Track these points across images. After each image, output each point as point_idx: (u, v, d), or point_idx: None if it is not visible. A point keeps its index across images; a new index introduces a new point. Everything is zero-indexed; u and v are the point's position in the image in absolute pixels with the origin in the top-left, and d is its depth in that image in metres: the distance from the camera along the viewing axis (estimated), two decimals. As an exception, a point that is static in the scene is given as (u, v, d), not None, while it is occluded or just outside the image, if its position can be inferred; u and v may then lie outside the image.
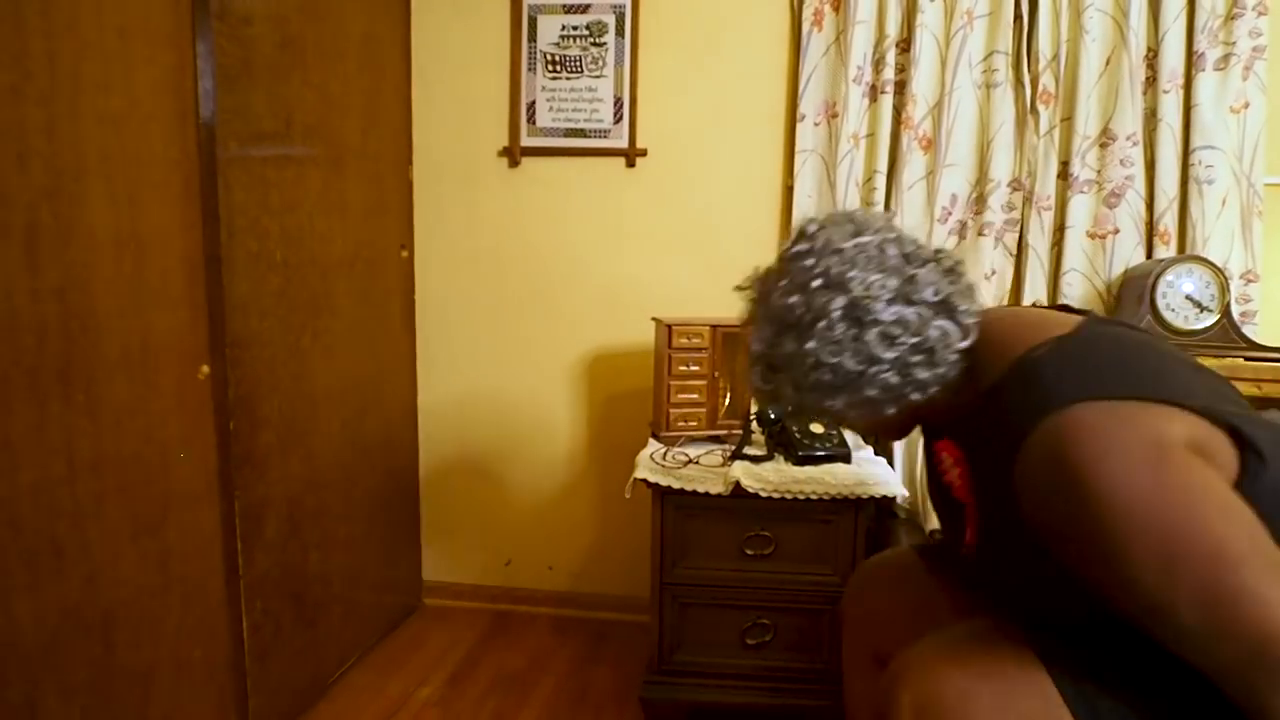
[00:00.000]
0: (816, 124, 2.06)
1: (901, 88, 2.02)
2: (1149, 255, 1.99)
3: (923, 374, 0.94)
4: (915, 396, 0.95)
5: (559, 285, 2.22)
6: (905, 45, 2.02)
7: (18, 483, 1.13)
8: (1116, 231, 1.99)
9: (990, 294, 2.05)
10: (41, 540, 1.17)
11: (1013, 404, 0.86)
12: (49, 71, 1.16)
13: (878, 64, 2.02)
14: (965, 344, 0.95)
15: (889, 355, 0.92)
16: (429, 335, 2.29)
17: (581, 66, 2.11)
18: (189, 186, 1.43)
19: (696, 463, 1.72)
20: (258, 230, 1.59)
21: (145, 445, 1.34)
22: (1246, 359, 1.86)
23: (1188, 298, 1.87)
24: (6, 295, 1.11)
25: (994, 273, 2.04)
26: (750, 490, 1.63)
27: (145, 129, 1.33)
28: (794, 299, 0.95)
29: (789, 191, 2.11)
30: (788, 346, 0.96)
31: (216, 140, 1.47)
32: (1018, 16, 1.97)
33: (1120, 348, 0.88)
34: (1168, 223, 1.96)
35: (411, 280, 2.26)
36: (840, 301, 0.92)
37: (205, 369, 1.47)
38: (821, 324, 0.93)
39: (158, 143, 1.36)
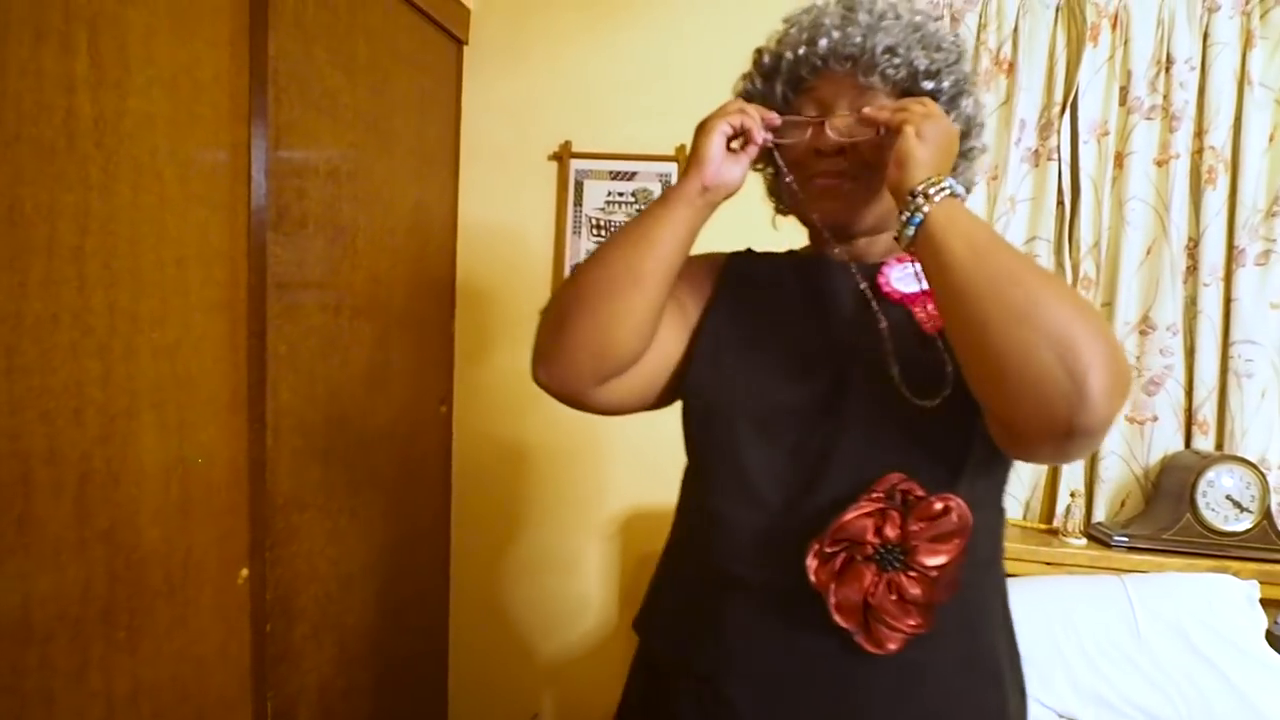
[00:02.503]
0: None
1: (942, 268, 1.98)
2: (1187, 444, 1.93)
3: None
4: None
5: (598, 446, 2.17)
6: (946, 227, 1.98)
7: (55, 742, 1.08)
8: (1155, 419, 1.92)
9: (1027, 475, 1.99)
10: (75, 797, 1.12)
11: None
12: (108, 322, 1.13)
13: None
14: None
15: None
16: (464, 489, 2.24)
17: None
18: (237, 396, 1.39)
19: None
20: (304, 427, 1.55)
21: (181, 665, 1.29)
22: (1288, 562, 1.79)
23: (1228, 497, 1.81)
24: (54, 552, 1.07)
25: (1030, 452, 1.97)
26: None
27: (199, 350, 1.30)
28: (941, 29, 0.91)
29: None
30: (964, 67, 0.91)
31: (267, 350, 1.44)
32: (1060, 203, 1.94)
33: None
34: (1206, 413, 1.90)
35: (449, 435, 2.22)
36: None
37: (244, 572, 1.43)
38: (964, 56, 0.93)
39: (209, 360, 1.33)
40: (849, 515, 0.78)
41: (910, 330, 0.88)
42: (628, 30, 2.07)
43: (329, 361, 1.63)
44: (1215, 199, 1.87)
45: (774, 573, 0.83)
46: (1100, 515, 1.96)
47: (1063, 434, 0.69)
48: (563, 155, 2.10)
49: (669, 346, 0.93)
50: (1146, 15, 1.88)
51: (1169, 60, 1.88)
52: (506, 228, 2.16)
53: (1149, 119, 1.89)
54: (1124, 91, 1.91)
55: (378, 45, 1.76)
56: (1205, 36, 1.88)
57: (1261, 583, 1.77)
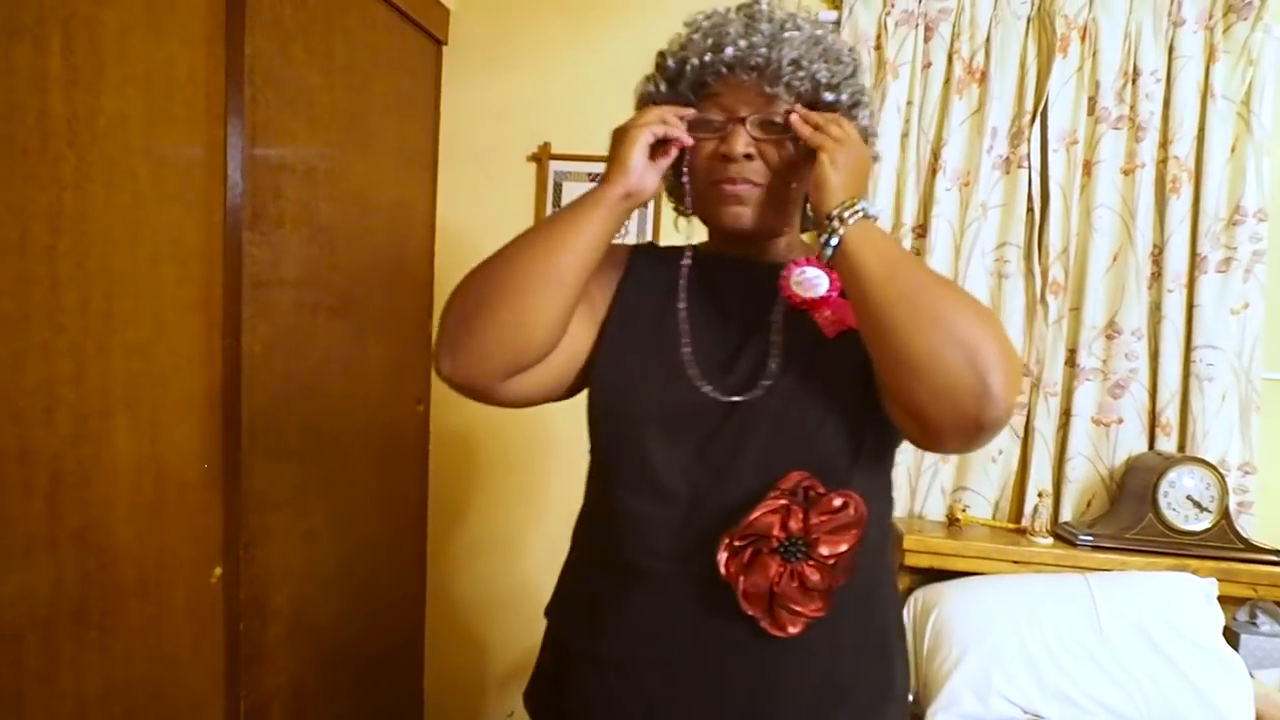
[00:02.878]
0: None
1: (915, 272, 2.01)
2: (1151, 445, 1.97)
3: None
4: None
5: (574, 445, 2.17)
6: (922, 231, 2.01)
7: (24, 741, 1.08)
8: (1120, 421, 1.96)
9: (996, 475, 2.02)
10: (45, 796, 1.11)
11: None
12: (81, 321, 1.13)
13: (892, 249, 2.00)
14: None
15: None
16: (441, 488, 2.24)
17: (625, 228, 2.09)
18: (211, 396, 1.39)
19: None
20: (278, 427, 1.55)
21: (153, 665, 1.29)
22: (1242, 561, 1.84)
23: (1188, 498, 1.85)
24: (25, 551, 1.07)
25: (1000, 454, 2.01)
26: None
27: (172, 350, 1.30)
28: (838, 43, 0.94)
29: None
30: (861, 80, 0.95)
31: (242, 349, 1.43)
32: (1030, 210, 1.97)
33: None
34: (1170, 415, 1.94)
35: (426, 434, 2.21)
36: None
37: (218, 572, 1.42)
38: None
39: (183, 360, 1.32)
40: (757, 513, 0.82)
41: (810, 333, 0.92)
42: (607, 32, 2.08)
43: (305, 361, 1.63)
44: (1179, 207, 1.91)
45: (682, 564, 0.87)
46: (1067, 515, 2.00)
47: (972, 426, 0.76)
48: (542, 156, 2.11)
49: (578, 340, 0.95)
50: (1114, 28, 1.91)
51: (1135, 72, 1.92)
52: (485, 228, 2.13)
53: (1116, 129, 1.93)
54: (1092, 101, 1.94)
55: (356, 45, 1.75)
56: (1170, 50, 1.92)
57: (1220, 580, 1.81)
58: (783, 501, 0.83)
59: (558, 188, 2.10)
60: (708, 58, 0.89)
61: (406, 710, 2.24)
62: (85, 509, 1.15)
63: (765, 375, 0.91)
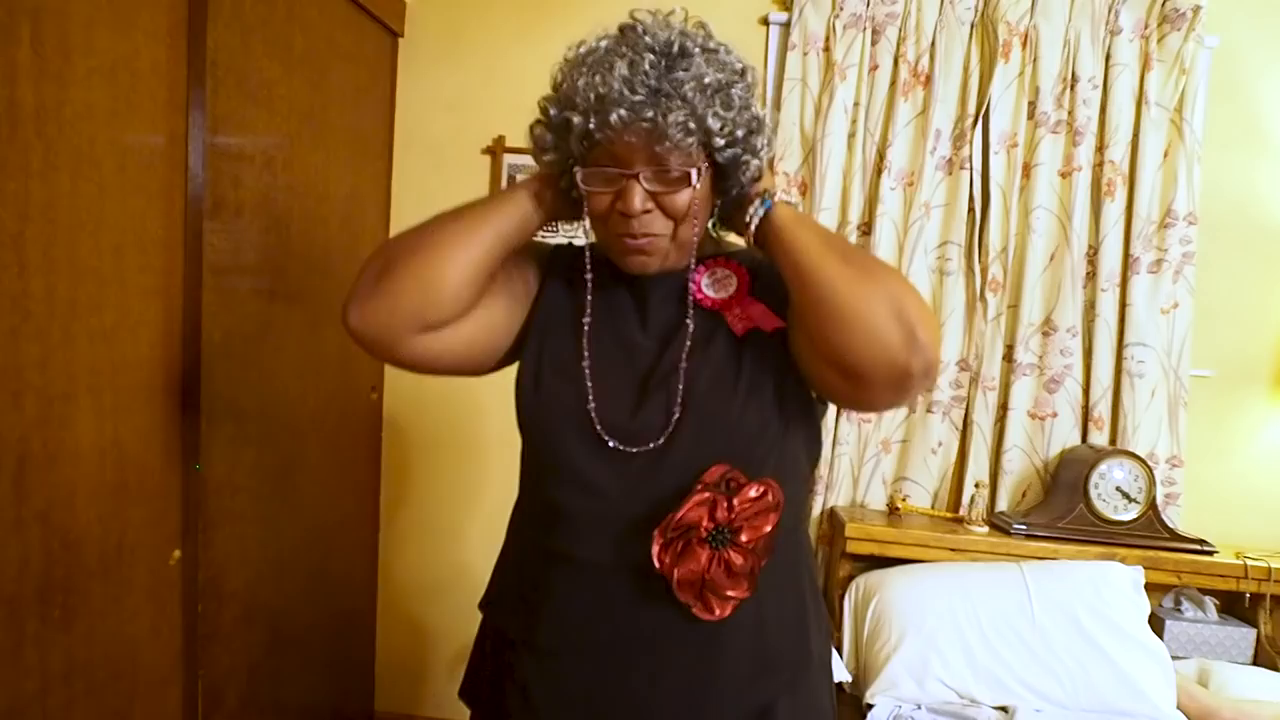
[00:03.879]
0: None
1: (861, 269, 2.15)
2: (1084, 439, 2.14)
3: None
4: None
5: (509, 422, 2.29)
6: (867, 229, 2.15)
7: (-10, 712, 1.17)
8: (1055, 415, 2.13)
9: (936, 466, 2.18)
10: (11, 765, 1.20)
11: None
12: (47, 307, 1.21)
13: (840, 246, 2.15)
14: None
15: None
16: (392, 472, 2.35)
17: (557, 226, 2.19)
18: (171, 381, 1.48)
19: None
20: (236, 412, 1.64)
21: (114, 644, 1.38)
22: (1167, 550, 2.01)
23: (1118, 489, 2.02)
24: (-7, 531, 1.16)
25: (940, 445, 2.17)
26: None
27: (135, 336, 1.39)
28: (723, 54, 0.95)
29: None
30: (754, 111, 0.96)
31: (203, 335, 1.53)
32: (971, 210, 2.12)
33: None
34: (1102, 410, 2.11)
35: (379, 420, 2.31)
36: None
37: (176, 554, 1.52)
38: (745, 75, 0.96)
39: (145, 346, 1.41)
40: (686, 507, 0.90)
41: (723, 334, 1.01)
42: (563, 26, 2.18)
43: (262, 348, 1.72)
44: (1113, 210, 2.08)
45: (615, 554, 0.96)
46: (1003, 505, 2.16)
47: (902, 374, 0.87)
48: (496, 150, 2.21)
49: (496, 316, 1.03)
50: (1054, 35, 2.07)
51: (1074, 78, 2.08)
52: (441, 219, 2.26)
53: (1055, 133, 2.09)
54: (1032, 106, 2.10)
55: (314, 37, 1.85)
56: (1107, 58, 2.08)
57: (1146, 569, 1.98)
58: (708, 495, 0.91)
59: (511, 181, 2.21)
60: (592, 122, 0.89)
61: (358, 688, 2.35)
62: (50, 490, 1.23)
63: (685, 376, 0.98)
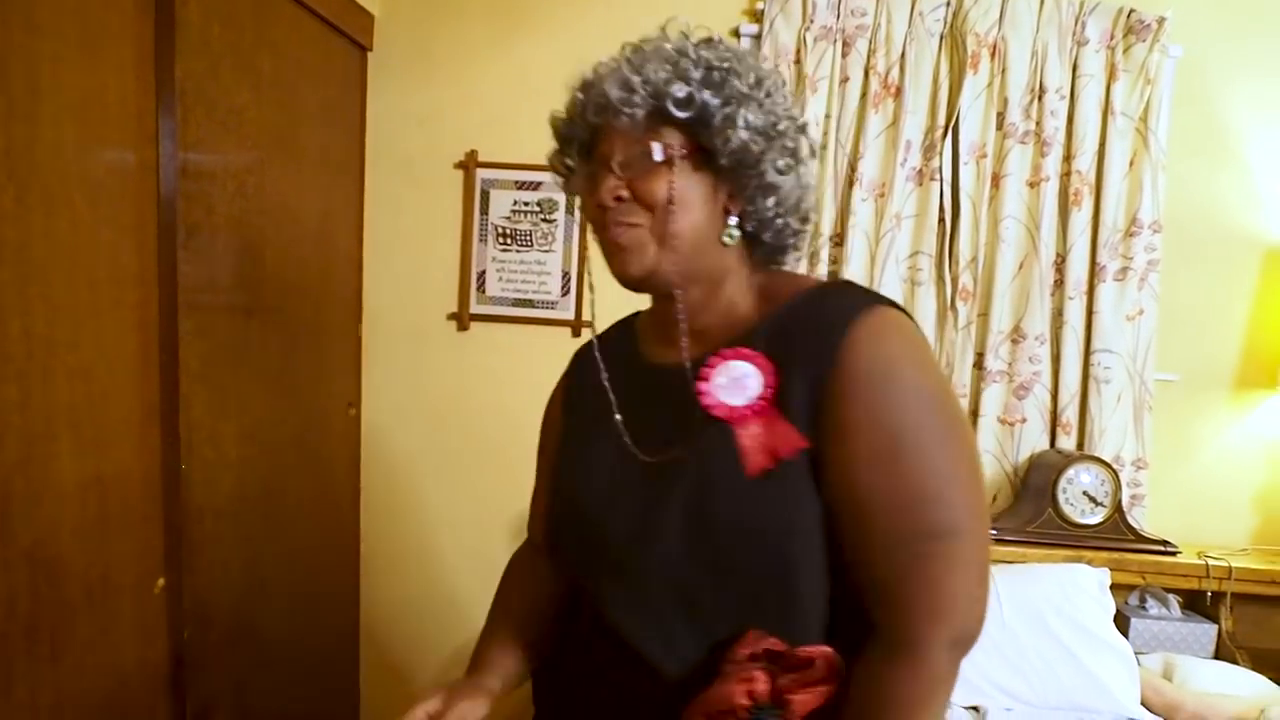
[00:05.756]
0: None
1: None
2: (1052, 443, 2.22)
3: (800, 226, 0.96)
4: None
5: (505, 445, 2.34)
6: (839, 240, 2.21)
7: (-19, 752, 1.21)
8: (1024, 420, 2.21)
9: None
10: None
11: (830, 305, 0.88)
12: (25, 348, 1.25)
13: (812, 258, 2.21)
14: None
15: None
16: (372, 489, 2.39)
17: (531, 240, 2.26)
18: (150, 412, 1.52)
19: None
20: (215, 438, 1.68)
21: (103, 676, 1.42)
22: (1132, 551, 2.11)
23: (1085, 493, 2.10)
24: (-20, 572, 1.20)
25: (913, 451, 2.24)
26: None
27: (112, 370, 1.42)
28: (761, 71, 0.91)
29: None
30: (736, 84, 0.88)
31: (180, 364, 1.57)
32: (941, 220, 2.19)
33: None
34: (1070, 415, 2.20)
35: (358, 437, 2.36)
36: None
37: (161, 582, 1.56)
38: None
39: (122, 378, 1.45)
40: (716, 688, 0.82)
41: (732, 460, 0.86)
42: (533, 39, 2.22)
43: (239, 373, 1.76)
44: (1080, 219, 2.15)
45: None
46: (976, 509, 2.24)
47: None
48: (469, 164, 2.25)
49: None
50: (1022, 46, 2.13)
51: (1041, 89, 2.14)
52: (412, 235, 2.30)
53: (1023, 143, 2.16)
54: (1001, 117, 2.16)
55: (282, 58, 1.87)
56: (1074, 68, 2.15)
57: (1112, 570, 2.06)
58: (744, 669, 0.82)
59: (485, 195, 2.25)
60: (575, 119, 0.93)
61: (343, 707, 2.41)
62: (35, 528, 1.27)
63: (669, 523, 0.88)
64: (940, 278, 2.20)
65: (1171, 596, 2.15)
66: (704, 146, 0.88)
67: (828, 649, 0.83)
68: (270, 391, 1.88)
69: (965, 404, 2.23)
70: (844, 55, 2.16)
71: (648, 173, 0.88)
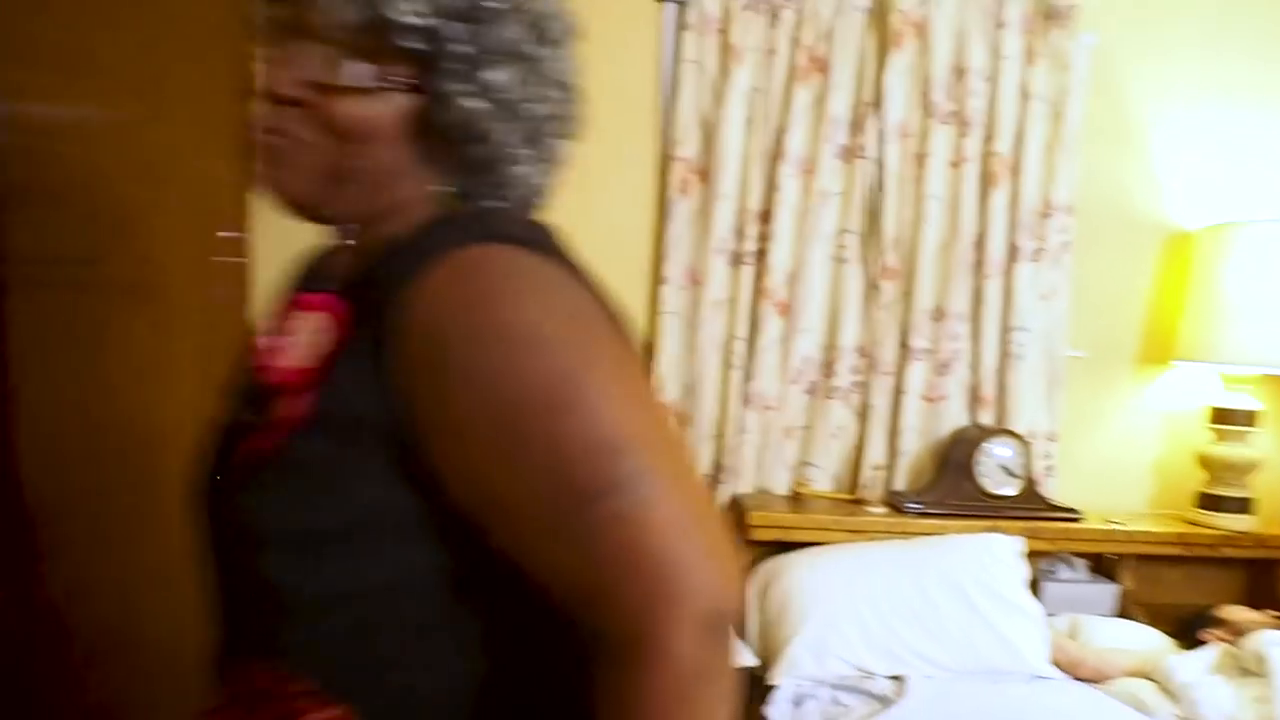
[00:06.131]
0: (681, 287, 2.18)
1: (761, 257, 2.18)
2: (973, 419, 2.26)
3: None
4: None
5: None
6: (766, 217, 2.17)
7: None
8: (946, 397, 2.24)
9: (837, 450, 2.26)
10: None
11: (407, 247, 0.67)
12: None
13: (739, 234, 2.16)
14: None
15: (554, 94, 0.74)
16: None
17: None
18: None
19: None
20: (60, 428, 1.49)
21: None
22: (1045, 520, 2.18)
23: (1000, 466, 2.15)
24: None
25: (840, 429, 2.24)
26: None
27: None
28: None
29: (648, 350, 2.22)
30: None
31: (8, 342, 1.35)
32: (867, 198, 2.17)
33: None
34: (988, 390, 2.24)
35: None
36: None
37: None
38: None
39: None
40: None
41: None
42: None
43: (93, 355, 1.56)
44: (999, 200, 2.18)
45: None
46: (900, 485, 2.26)
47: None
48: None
49: None
50: (945, 26, 2.13)
51: (964, 70, 2.15)
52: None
53: (946, 123, 2.17)
54: (925, 96, 2.16)
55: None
56: (995, 50, 2.16)
57: (1027, 538, 2.13)
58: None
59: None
60: None
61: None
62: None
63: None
64: (865, 256, 2.19)
65: (1079, 560, 2.25)
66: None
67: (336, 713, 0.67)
68: (136, 376, 1.68)
69: (890, 382, 2.23)
70: (771, 26, 2.11)
71: (337, 87, 0.67)
